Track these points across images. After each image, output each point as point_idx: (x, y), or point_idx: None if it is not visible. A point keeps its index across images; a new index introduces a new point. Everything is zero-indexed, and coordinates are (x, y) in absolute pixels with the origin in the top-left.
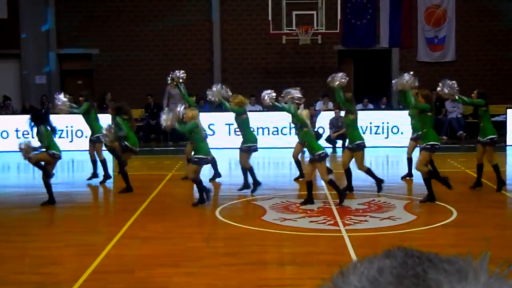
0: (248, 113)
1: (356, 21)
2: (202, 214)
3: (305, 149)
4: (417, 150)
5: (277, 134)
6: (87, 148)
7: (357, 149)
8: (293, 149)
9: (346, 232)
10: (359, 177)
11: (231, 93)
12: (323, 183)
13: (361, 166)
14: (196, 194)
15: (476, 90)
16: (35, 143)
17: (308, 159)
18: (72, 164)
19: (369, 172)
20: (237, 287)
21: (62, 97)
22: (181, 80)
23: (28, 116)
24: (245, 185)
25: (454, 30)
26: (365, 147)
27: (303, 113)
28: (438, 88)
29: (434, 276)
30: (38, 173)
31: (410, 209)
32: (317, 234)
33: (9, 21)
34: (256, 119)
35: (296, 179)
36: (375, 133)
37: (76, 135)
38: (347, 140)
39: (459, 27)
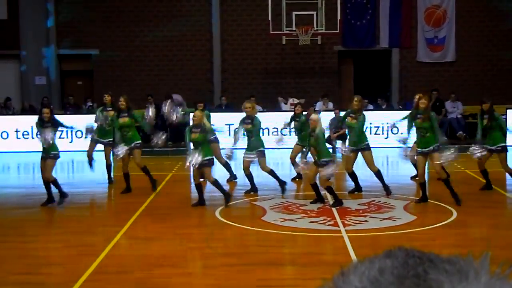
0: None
1: (356, 21)
2: (202, 214)
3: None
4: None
5: (277, 134)
6: (87, 149)
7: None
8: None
9: (346, 233)
10: (359, 178)
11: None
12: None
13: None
14: (196, 195)
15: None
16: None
17: (302, 160)
18: (72, 164)
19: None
20: (237, 287)
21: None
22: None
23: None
24: (253, 189)
25: (454, 30)
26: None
27: (315, 117)
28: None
29: (435, 276)
30: (38, 174)
31: (410, 209)
32: (317, 234)
33: (9, 22)
34: None
35: (293, 179)
36: (375, 134)
37: (76, 136)
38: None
39: (459, 28)
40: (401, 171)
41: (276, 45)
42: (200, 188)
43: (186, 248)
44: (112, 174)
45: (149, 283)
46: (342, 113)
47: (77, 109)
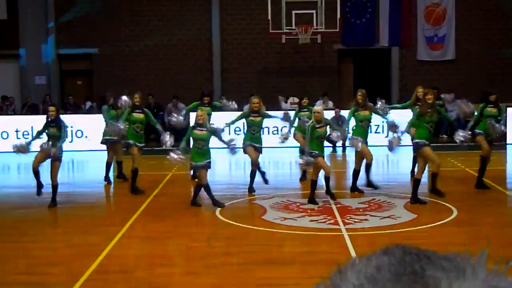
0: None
1: (355, 20)
2: (202, 214)
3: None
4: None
5: (277, 133)
6: (87, 148)
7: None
8: (293, 148)
9: (346, 231)
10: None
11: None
12: (323, 181)
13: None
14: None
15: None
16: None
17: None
18: (72, 164)
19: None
20: (238, 286)
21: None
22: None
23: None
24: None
25: (454, 28)
26: None
27: (319, 109)
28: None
29: (432, 273)
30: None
31: (410, 208)
32: (317, 233)
33: (9, 22)
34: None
35: (301, 180)
36: (375, 132)
37: (76, 136)
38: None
39: (458, 26)
40: (401, 169)
41: (275, 44)
42: (208, 189)
43: (186, 247)
44: (111, 173)
45: (150, 283)
46: (343, 113)
47: (77, 109)
